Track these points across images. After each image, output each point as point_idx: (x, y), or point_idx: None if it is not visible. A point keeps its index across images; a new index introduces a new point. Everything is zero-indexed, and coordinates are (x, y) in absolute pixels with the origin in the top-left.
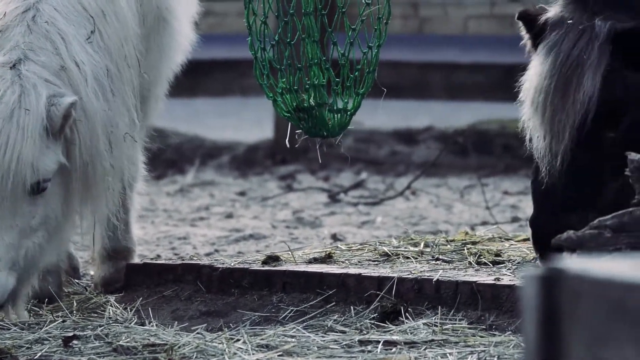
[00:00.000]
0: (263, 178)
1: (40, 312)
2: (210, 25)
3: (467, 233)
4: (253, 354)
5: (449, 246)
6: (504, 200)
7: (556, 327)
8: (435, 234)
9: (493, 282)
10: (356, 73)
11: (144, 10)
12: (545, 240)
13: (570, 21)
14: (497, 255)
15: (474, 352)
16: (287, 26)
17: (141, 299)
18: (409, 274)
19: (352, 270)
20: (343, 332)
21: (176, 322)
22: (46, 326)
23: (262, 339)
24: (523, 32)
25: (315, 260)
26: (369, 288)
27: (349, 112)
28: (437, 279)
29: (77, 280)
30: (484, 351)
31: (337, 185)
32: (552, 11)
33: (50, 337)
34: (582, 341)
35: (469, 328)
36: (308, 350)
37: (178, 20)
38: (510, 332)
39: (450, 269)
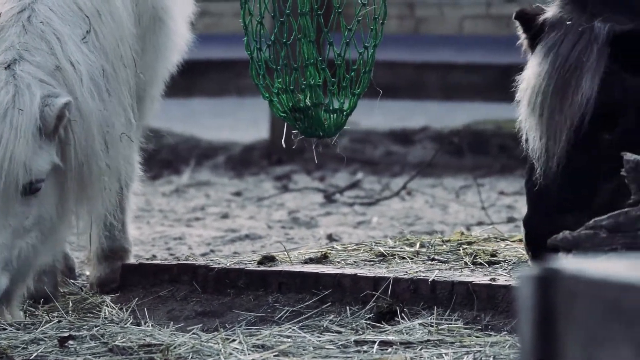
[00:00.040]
0: (259, 178)
1: (36, 313)
2: (206, 25)
3: (462, 233)
4: (249, 354)
5: (444, 246)
6: (499, 201)
7: (552, 327)
8: (431, 234)
9: (489, 282)
10: (352, 73)
11: (140, 10)
12: (538, 240)
13: (569, 22)
14: (493, 255)
15: (469, 352)
16: (283, 26)
17: (137, 299)
18: (404, 274)
19: (348, 271)
20: (339, 332)
21: (172, 323)
22: (42, 326)
23: (257, 339)
24: (520, 32)
25: (311, 261)
26: (365, 288)
27: (345, 113)
28: (433, 279)
29: (72, 281)
30: (479, 351)
31: (332, 186)
32: (550, 11)
33: (46, 337)
34: (577, 341)
35: (465, 328)
36: (304, 350)
37: (174, 20)
38: (506, 332)
39: (446, 269)
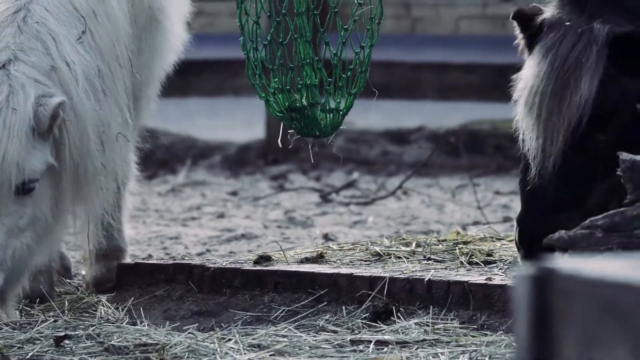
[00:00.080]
0: (255, 178)
1: (32, 312)
2: (202, 25)
3: (458, 233)
4: (245, 353)
5: (440, 246)
6: (495, 200)
7: (548, 326)
8: (426, 234)
9: (485, 281)
10: (348, 73)
11: (136, 10)
12: (532, 239)
13: (568, 23)
14: (489, 255)
15: (465, 352)
16: (280, 26)
17: (133, 298)
18: (400, 274)
19: (344, 270)
20: (335, 331)
21: (168, 322)
22: (38, 326)
23: (253, 339)
24: (517, 32)
25: (307, 260)
26: (361, 288)
27: (341, 112)
28: (429, 279)
29: (68, 280)
30: (475, 351)
31: (328, 185)
32: (548, 12)
33: (41, 336)
34: (573, 341)
35: (461, 328)
36: (300, 350)
37: (170, 20)
38: (501, 331)
39: (442, 268)
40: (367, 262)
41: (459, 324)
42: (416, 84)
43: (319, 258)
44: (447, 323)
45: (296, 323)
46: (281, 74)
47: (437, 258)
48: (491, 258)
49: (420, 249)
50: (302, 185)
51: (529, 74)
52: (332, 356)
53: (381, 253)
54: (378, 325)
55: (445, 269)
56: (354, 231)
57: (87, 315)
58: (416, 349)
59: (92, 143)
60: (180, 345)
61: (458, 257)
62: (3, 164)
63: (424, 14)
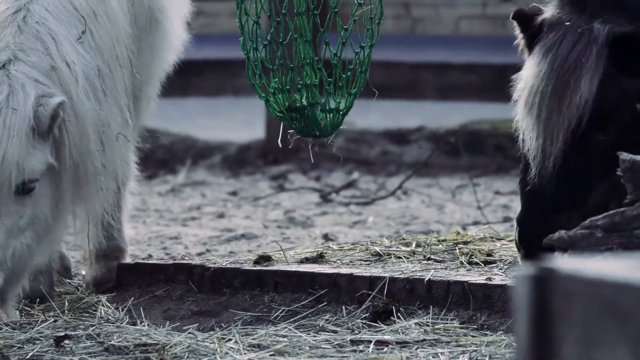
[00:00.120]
0: (255, 178)
1: (32, 312)
2: (202, 25)
3: (458, 233)
4: (245, 353)
5: (440, 246)
6: (495, 200)
7: (548, 327)
8: (426, 234)
9: (485, 281)
10: (348, 73)
11: (136, 10)
12: (532, 239)
13: (568, 23)
14: (489, 255)
15: (465, 352)
16: (280, 26)
17: (133, 298)
18: (400, 274)
19: (344, 270)
20: (335, 331)
21: (168, 322)
22: (38, 326)
23: (253, 339)
24: (517, 31)
25: (307, 260)
26: (361, 288)
27: (341, 112)
28: (429, 279)
29: (68, 280)
30: (475, 351)
31: (328, 185)
32: (548, 12)
33: (41, 336)
34: (573, 341)
35: (461, 328)
36: (300, 350)
37: (170, 20)
38: (501, 331)
39: (442, 268)
40: (367, 262)
41: (459, 324)
42: (416, 84)
43: (319, 258)
44: (447, 323)
45: (296, 323)
46: (281, 74)
47: (437, 258)
48: (491, 258)
49: (420, 249)
50: (302, 185)
51: (529, 73)
52: (332, 356)
53: (381, 253)
54: (378, 325)
55: (445, 269)
56: (354, 231)
57: (87, 315)
58: (416, 349)
59: (92, 143)
60: (180, 345)
61: (458, 257)
62: (3, 164)
63: (423, 14)
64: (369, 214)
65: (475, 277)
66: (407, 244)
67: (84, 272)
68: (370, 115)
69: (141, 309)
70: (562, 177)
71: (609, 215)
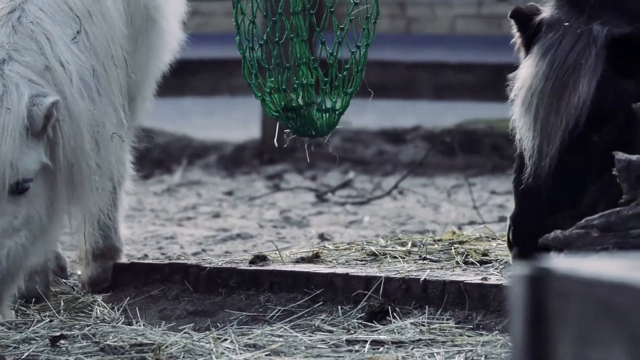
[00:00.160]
0: (250, 178)
1: (28, 312)
2: (197, 24)
3: (454, 233)
4: (240, 353)
5: (436, 246)
6: (491, 200)
7: (543, 326)
8: (422, 234)
9: (480, 281)
10: (344, 72)
11: (132, 10)
12: (525, 238)
13: (567, 23)
14: (485, 254)
15: (461, 352)
16: (276, 25)
17: (128, 298)
18: (396, 274)
19: (340, 270)
20: (330, 331)
21: (163, 322)
22: (33, 326)
23: (249, 339)
24: (514, 30)
25: (302, 260)
26: (357, 288)
27: (337, 112)
28: (425, 279)
29: (64, 280)
30: (471, 350)
31: (324, 185)
32: (547, 11)
33: (37, 336)
34: (569, 341)
35: (457, 327)
36: (295, 349)
37: (166, 19)
38: (497, 331)
39: (438, 268)
40: (363, 262)
41: (455, 324)
42: (412, 83)
43: (314, 258)
44: (442, 323)
45: (292, 323)
46: (277, 73)
47: (433, 258)
48: (487, 258)
49: (416, 249)
50: (298, 185)
51: (527, 73)
52: (328, 356)
53: (377, 253)
54: (374, 325)
55: (441, 268)
56: (350, 231)
57: (83, 315)
58: (412, 349)
59: (87, 143)
60: (176, 345)
61: (454, 257)
62: None
63: (419, 14)
64: (364, 214)
65: (471, 276)
66: (403, 244)
67: (79, 272)
68: (366, 115)
69: (137, 308)
70: (558, 177)
71: (604, 215)
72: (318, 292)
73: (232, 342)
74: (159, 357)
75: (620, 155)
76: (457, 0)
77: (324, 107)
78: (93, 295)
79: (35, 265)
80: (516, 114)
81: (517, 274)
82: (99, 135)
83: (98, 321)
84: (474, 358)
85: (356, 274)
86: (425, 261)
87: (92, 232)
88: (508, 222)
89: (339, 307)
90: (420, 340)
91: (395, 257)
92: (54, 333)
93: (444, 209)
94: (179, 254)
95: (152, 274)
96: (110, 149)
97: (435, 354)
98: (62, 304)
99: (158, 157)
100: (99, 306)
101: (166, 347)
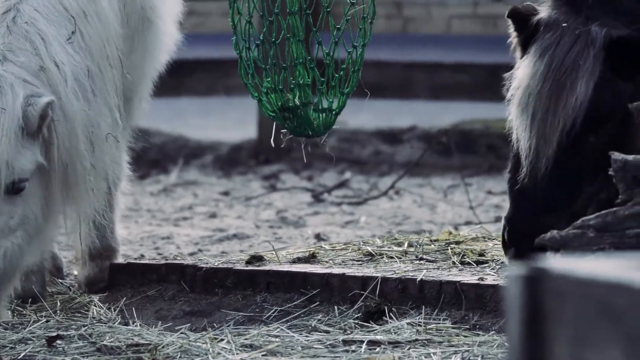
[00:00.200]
0: (247, 178)
1: (24, 312)
2: (193, 24)
3: (450, 233)
4: (237, 353)
5: (432, 246)
6: (487, 200)
7: (540, 327)
8: (419, 234)
9: (477, 281)
10: (341, 72)
11: (128, 10)
12: (520, 238)
13: (565, 24)
14: (481, 255)
15: (457, 352)
16: (272, 25)
17: (125, 298)
18: (392, 274)
19: (336, 270)
20: (327, 331)
21: (160, 322)
22: (30, 326)
23: (246, 339)
24: (511, 30)
25: (299, 260)
26: (353, 288)
27: (334, 112)
28: (421, 279)
29: (60, 280)
30: (467, 351)
31: (320, 185)
32: (544, 12)
33: (34, 337)
34: (566, 341)
35: (453, 328)
36: (292, 350)
37: (162, 20)
38: (494, 331)
39: (434, 268)
40: (360, 262)
41: (451, 324)
42: (408, 83)
43: (311, 258)
44: (439, 323)
45: (288, 323)
46: (274, 73)
47: (429, 258)
48: (483, 258)
49: (412, 249)
50: (294, 185)
51: (524, 73)
52: (325, 356)
53: (373, 253)
54: (370, 325)
55: (438, 269)
56: (346, 231)
57: (79, 315)
58: (408, 349)
59: (81, 143)
60: (172, 345)
61: (450, 257)
62: None
63: (415, 14)
64: (361, 214)
65: (468, 277)
66: (399, 244)
67: (76, 272)
68: (363, 115)
69: (133, 309)
70: (554, 177)
71: (601, 215)
72: (314, 292)
73: (228, 342)
74: (156, 358)
75: (616, 156)
76: (453, 0)
77: (320, 107)
78: (89, 296)
79: (31, 265)
80: (513, 114)
81: (514, 274)
82: (94, 136)
83: (94, 321)
84: (471, 358)
85: (353, 274)
86: (421, 261)
87: (89, 233)
88: (503, 222)
89: (336, 307)
90: (416, 340)
91: (391, 257)
92: (51, 333)
93: (440, 209)
94: (176, 254)
95: (149, 274)
96: (105, 150)
97: (431, 354)
98: (59, 304)
99: (154, 157)
100: (96, 306)
101: (163, 347)
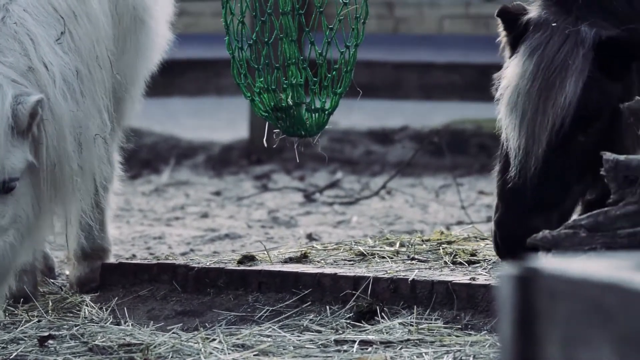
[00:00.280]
0: (238, 178)
1: (16, 312)
2: (185, 25)
3: (442, 233)
4: (229, 353)
5: (424, 246)
6: (479, 200)
7: (532, 326)
8: (410, 234)
9: (468, 281)
10: (334, 72)
11: (120, 10)
12: (511, 239)
13: (555, 24)
14: (473, 254)
15: (449, 352)
16: (265, 25)
17: (117, 298)
18: (384, 274)
19: (328, 270)
20: (319, 331)
21: (152, 322)
22: (22, 326)
23: (237, 339)
24: (500, 29)
25: (290, 260)
26: (345, 288)
27: (326, 112)
28: (413, 279)
29: (52, 280)
30: (459, 351)
31: (312, 185)
32: (534, 11)
33: (25, 336)
34: (557, 341)
35: (445, 327)
36: (284, 349)
37: (154, 20)
38: (485, 331)
39: (426, 268)
40: (351, 262)
41: (443, 324)
42: (399, 83)
43: (302, 258)
44: (431, 323)
45: (280, 323)
46: (266, 73)
47: (421, 258)
48: (475, 258)
49: (404, 249)
50: (286, 185)
51: (514, 72)
52: (316, 356)
53: (365, 253)
54: (362, 325)
55: (429, 268)
56: (338, 231)
57: (71, 315)
58: (400, 349)
59: (69, 144)
60: (164, 345)
61: (442, 257)
62: None
63: (407, 14)
64: (352, 214)
65: (459, 277)
66: (391, 244)
67: (67, 272)
68: (354, 115)
69: (125, 308)
70: (543, 177)
71: (592, 215)
72: (306, 292)
73: (220, 342)
74: (148, 357)
75: (608, 155)
76: (445, 0)
77: (313, 107)
78: (81, 296)
79: (23, 265)
80: (502, 113)
81: (506, 274)
82: (82, 137)
83: (86, 321)
84: (463, 358)
85: (344, 274)
86: (413, 261)
87: (79, 233)
88: (492, 226)
89: (328, 307)
90: (408, 340)
91: (383, 257)
92: (43, 333)
93: (432, 209)
94: (167, 254)
95: (141, 274)
96: (93, 151)
97: (423, 354)
98: (51, 304)
99: (146, 157)
100: (87, 306)
101: (154, 347)
